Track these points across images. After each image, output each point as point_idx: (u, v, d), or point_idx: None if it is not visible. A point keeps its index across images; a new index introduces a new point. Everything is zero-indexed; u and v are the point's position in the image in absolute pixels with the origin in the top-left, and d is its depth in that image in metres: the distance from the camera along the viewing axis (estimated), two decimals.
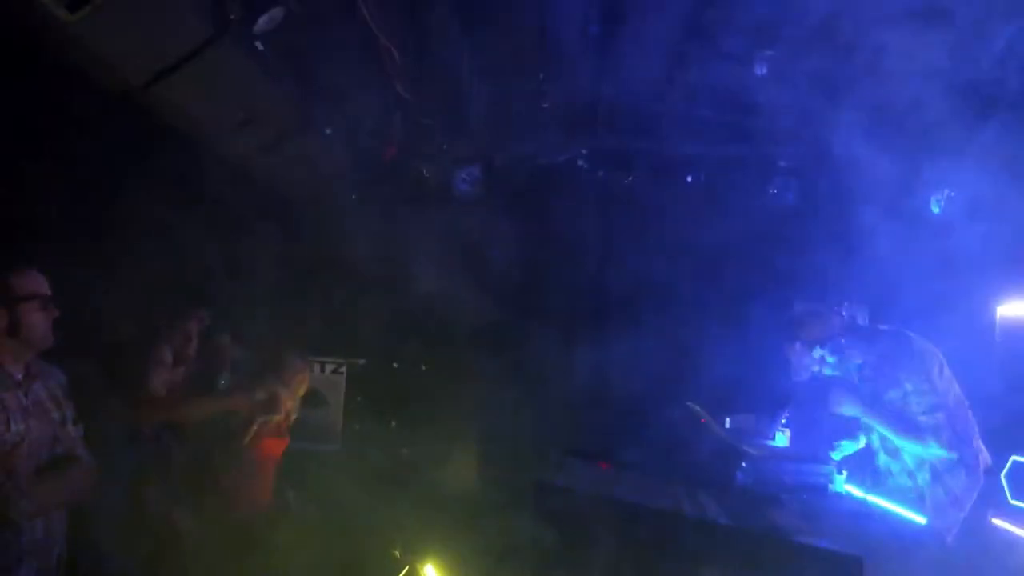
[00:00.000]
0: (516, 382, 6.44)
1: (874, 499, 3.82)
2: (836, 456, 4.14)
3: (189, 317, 4.72)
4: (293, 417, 4.65)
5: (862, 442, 4.27)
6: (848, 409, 3.98)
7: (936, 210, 5.19)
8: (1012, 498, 4.45)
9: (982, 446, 4.03)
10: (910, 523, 3.59)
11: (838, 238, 5.19)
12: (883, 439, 4.05)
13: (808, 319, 4.12)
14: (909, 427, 3.83)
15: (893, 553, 3.07)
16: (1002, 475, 4.52)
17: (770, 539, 2.43)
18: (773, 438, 4.25)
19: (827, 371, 4.14)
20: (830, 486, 3.72)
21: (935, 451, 3.79)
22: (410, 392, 6.33)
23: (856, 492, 3.87)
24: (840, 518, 3.39)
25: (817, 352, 4.09)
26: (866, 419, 4.00)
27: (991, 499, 4.64)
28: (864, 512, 3.65)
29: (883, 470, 4.09)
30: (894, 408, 3.88)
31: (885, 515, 3.67)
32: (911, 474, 3.95)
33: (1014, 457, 4.45)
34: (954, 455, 3.83)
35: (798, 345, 4.14)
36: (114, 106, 4.10)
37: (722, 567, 2.29)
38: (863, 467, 4.22)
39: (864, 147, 5.10)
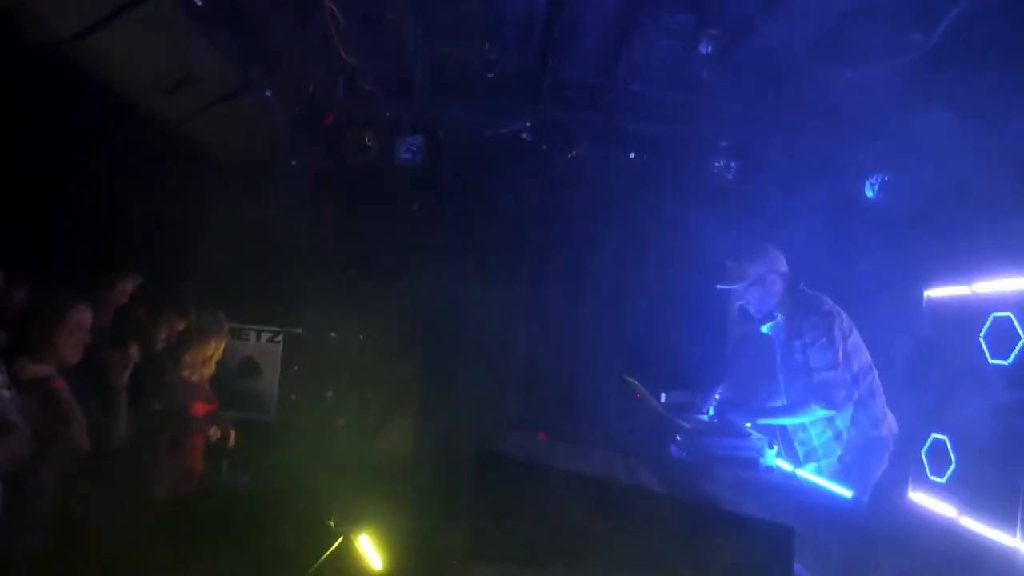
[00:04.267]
0: (454, 354, 6.43)
1: (802, 473, 3.94)
2: None
3: (115, 283, 4.52)
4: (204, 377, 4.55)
5: None
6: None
7: (870, 194, 5.30)
8: (931, 474, 4.63)
9: (888, 412, 4.26)
10: (836, 496, 3.70)
11: (772, 216, 5.29)
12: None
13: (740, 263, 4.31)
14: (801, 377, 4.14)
15: (817, 524, 3.15)
16: (922, 452, 4.70)
17: (703, 509, 2.46)
18: (707, 413, 4.32)
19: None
20: (761, 460, 3.81)
21: (817, 411, 4.06)
22: (347, 362, 6.25)
23: (785, 466, 3.97)
24: (769, 490, 3.47)
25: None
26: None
27: (912, 474, 4.84)
28: (792, 485, 3.75)
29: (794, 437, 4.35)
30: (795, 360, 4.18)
31: (812, 488, 3.77)
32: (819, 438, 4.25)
33: (934, 434, 4.63)
34: (842, 415, 4.12)
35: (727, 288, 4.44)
36: (40, 58, 3.91)
37: (656, 535, 2.31)
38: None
39: (801, 130, 5.20)
